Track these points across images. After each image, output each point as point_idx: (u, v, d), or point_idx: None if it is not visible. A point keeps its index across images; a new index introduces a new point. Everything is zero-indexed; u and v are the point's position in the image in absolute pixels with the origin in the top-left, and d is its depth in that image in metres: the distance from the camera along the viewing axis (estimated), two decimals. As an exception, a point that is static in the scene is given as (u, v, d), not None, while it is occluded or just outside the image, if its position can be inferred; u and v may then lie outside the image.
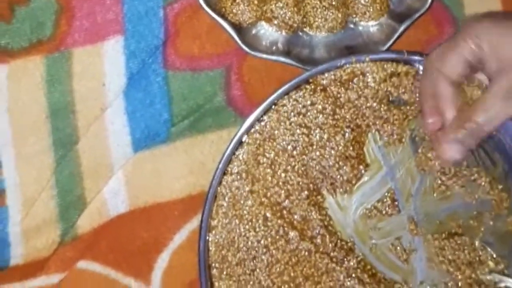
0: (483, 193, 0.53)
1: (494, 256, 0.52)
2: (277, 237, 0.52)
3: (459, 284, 0.52)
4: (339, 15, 0.55)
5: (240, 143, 0.52)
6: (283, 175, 0.53)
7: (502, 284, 0.52)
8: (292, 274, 0.52)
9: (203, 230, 0.51)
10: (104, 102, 0.55)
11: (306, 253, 0.52)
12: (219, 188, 0.52)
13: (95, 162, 0.54)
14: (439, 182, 0.53)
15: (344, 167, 0.53)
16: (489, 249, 0.52)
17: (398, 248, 0.53)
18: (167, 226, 0.54)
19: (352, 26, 0.56)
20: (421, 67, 0.52)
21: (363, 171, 0.53)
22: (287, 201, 0.53)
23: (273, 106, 0.52)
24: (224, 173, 0.52)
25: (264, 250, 0.52)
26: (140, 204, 0.54)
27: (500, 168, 0.53)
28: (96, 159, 0.54)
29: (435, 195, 0.53)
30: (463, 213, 0.53)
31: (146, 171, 0.54)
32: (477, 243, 0.52)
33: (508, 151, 0.52)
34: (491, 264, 0.52)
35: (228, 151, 0.52)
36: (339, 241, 0.53)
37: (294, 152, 0.53)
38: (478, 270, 0.52)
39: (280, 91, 0.52)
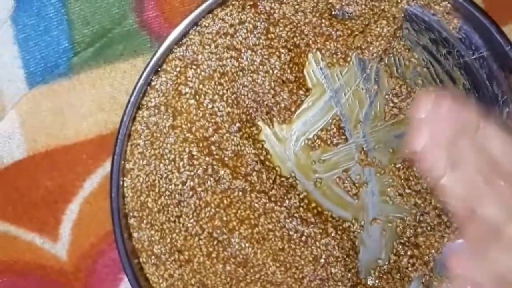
0: (441, 114, 0.46)
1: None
2: (205, 176, 0.45)
3: (429, 216, 0.47)
4: None
5: (156, 72, 0.45)
6: (209, 106, 0.45)
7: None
8: (224, 218, 0.46)
9: (114, 174, 0.44)
10: (-13, 30, 0.47)
11: (240, 193, 0.46)
12: (133, 125, 0.45)
13: (-18, 101, 0.47)
14: (391, 104, 0.47)
15: (281, 93, 0.46)
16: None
17: (347, 181, 0.47)
18: (75, 171, 0.47)
19: None
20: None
21: (303, 97, 0.46)
22: (215, 135, 0.45)
23: (194, 27, 0.45)
24: (139, 108, 0.45)
25: (191, 192, 0.45)
26: (40, 149, 0.47)
27: (460, 86, 0.47)
28: (-17, 98, 0.47)
29: (386, 119, 0.47)
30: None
31: (44, 110, 0.47)
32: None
33: (470, 66, 0.46)
34: None
35: (141, 81, 0.44)
36: (278, 177, 0.46)
37: (222, 79, 0.46)
38: None
39: (202, 8, 0.44)
